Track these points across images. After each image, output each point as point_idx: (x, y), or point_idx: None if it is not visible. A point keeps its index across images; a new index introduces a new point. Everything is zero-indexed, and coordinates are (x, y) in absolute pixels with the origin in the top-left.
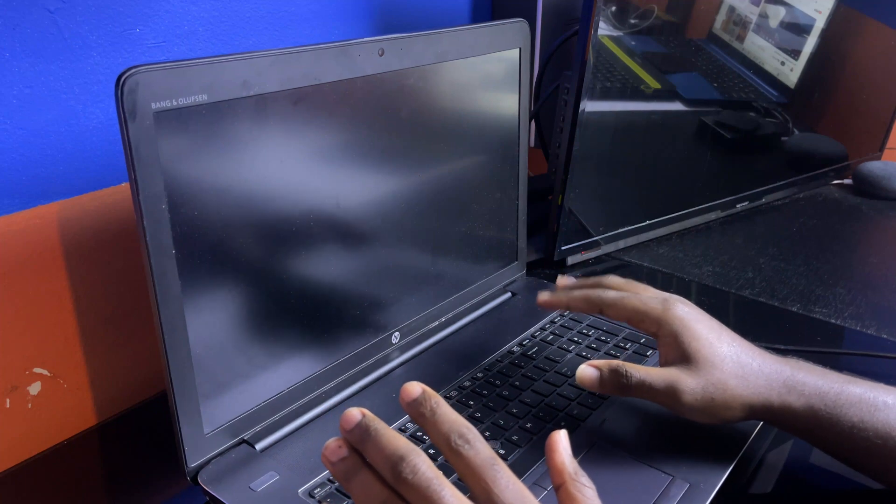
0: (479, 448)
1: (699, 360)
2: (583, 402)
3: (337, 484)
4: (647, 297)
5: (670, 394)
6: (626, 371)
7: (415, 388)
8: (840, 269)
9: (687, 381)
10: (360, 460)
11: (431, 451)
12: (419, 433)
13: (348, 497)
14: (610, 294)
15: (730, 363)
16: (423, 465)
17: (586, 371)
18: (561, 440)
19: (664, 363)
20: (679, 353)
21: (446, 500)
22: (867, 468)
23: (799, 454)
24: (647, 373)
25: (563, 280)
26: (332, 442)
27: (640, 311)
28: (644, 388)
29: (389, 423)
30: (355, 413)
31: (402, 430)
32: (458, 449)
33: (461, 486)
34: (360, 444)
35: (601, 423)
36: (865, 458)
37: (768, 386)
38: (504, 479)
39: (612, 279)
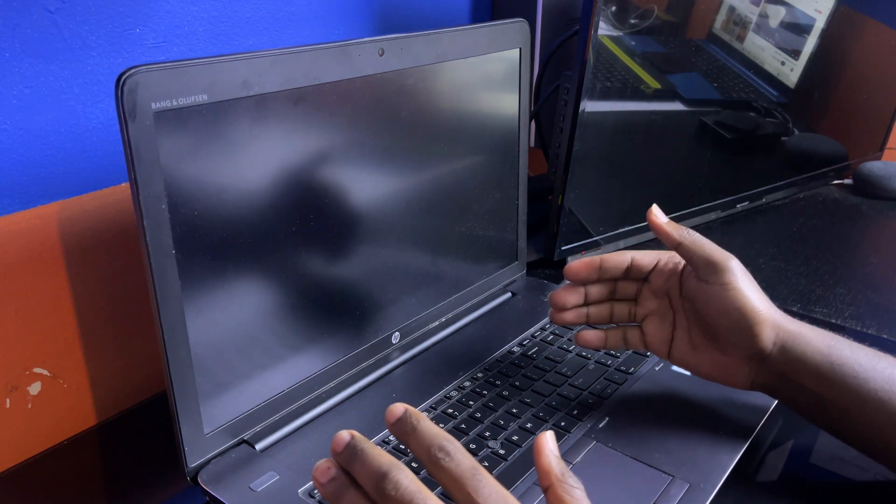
0: (459, 459)
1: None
2: (583, 402)
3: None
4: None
5: (722, 264)
6: (689, 230)
7: (398, 408)
8: (840, 269)
9: (737, 263)
10: (347, 480)
11: (415, 465)
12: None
13: None
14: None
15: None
16: (405, 480)
17: (656, 210)
18: (547, 442)
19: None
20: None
21: None
22: (870, 428)
23: (799, 454)
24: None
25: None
26: (322, 463)
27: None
28: (701, 246)
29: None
30: (345, 435)
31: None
32: (439, 461)
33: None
34: (347, 464)
35: (601, 423)
36: (871, 413)
37: (795, 321)
38: (486, 487)
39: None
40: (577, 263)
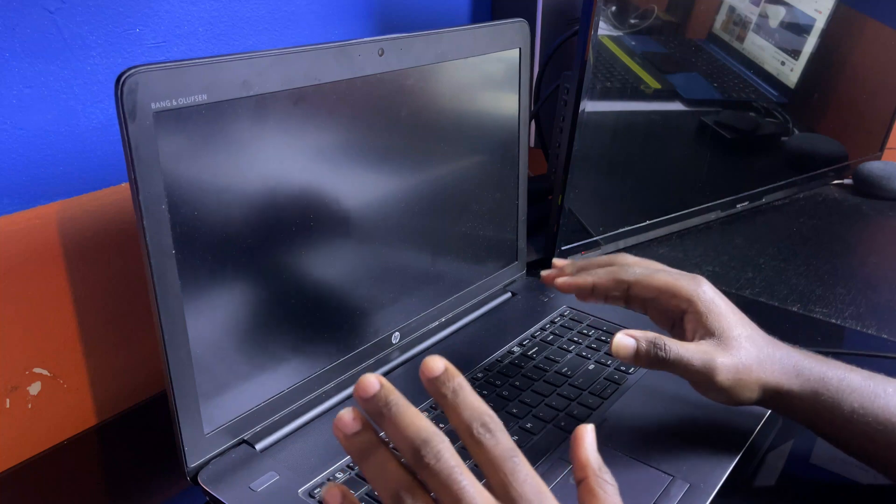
0: (500, 438)
1: (728, 339)
2: (583, 402)
3: (336, 481)
4: (675, 273)
5: (705, 371)
6: (664, 344)
7: (437, 363)
8: (840, 269)
9: (721, 360)
10: (376, 437)
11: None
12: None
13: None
14: (637, 270)
15: (752, 346)
16: (446, 452)
17: (623, 341)
18: (587, 434)
19: (691, 339)
20: (707, 331)
21: (466, 490)
22: (867, 456)
23: (799, 454)
24: (685, 348)
25: (562, 262)
26: (347, 413)
27: (671, 287)
28: (681, 364)
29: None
30: (373, 381)
31: None
32: (480, 438)
33: (477, 472)
34: (377, 418)
35: (601, 423)
36: (865, 444)
37: (782, 370)
38: (523, 472)
39: (627, 257)
40: (568, 280)
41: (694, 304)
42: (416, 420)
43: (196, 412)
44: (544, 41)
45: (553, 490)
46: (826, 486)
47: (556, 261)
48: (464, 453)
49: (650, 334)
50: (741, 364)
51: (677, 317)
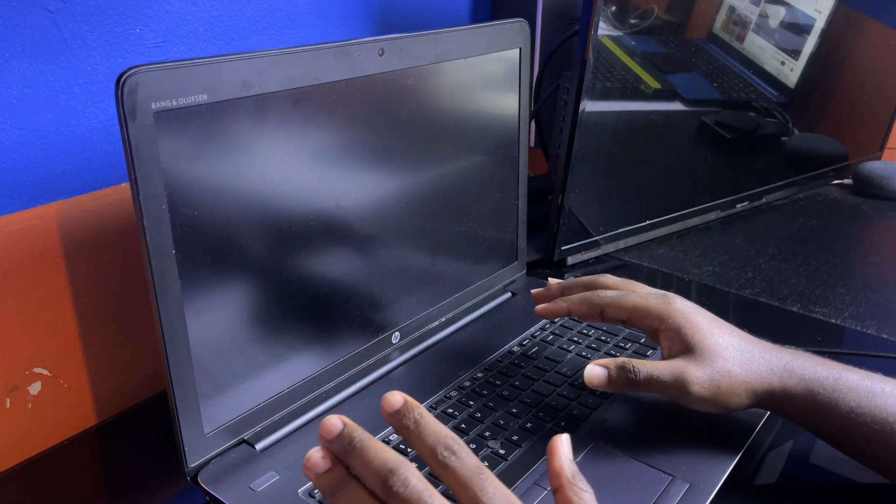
0: (465, 458)
1: (703, 349)
2: (583, 402)
3: None
4: (645, 293)
5: (679, 385)
6: (633, 367)
7: (396, 398)
8: (840, 269)
9: (694, 372)
10: (346, 473)
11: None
12: (402, 445)
13: None
14: (609, 293)
15: (732, 351)
16: (413, 478)
17: (594, 370)
18: (562, 444)
19: (668, 356)
20: (683, 345)
21: None
22: (865, 456)
23: (799, 454)
24: (655, 367)
25: (554, 282)
26: (314, 453)
27: (641, 308)
28: (653, 383)
29: (385, 427)
30: (335, 422)
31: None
32: (445, 460)
33: (449, 495)
34: (344, 455)
35: (601, 423)
36: (863, 444)
37: (770, 371)
38: (491, 487)
39: (607, 278)
40: (546, 307)
41: (665, 322)
42: (382, 452)
43: (196, 412)
44: (544, 41)
45: (549, 495)
46: (826, 486)
47: (551, 281)
48: (436, 481)
49: (619, 360)
50: (717, 372)
51: (654, 335)
